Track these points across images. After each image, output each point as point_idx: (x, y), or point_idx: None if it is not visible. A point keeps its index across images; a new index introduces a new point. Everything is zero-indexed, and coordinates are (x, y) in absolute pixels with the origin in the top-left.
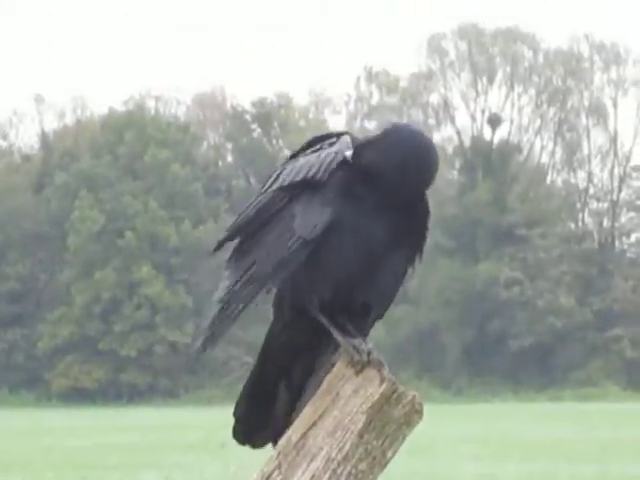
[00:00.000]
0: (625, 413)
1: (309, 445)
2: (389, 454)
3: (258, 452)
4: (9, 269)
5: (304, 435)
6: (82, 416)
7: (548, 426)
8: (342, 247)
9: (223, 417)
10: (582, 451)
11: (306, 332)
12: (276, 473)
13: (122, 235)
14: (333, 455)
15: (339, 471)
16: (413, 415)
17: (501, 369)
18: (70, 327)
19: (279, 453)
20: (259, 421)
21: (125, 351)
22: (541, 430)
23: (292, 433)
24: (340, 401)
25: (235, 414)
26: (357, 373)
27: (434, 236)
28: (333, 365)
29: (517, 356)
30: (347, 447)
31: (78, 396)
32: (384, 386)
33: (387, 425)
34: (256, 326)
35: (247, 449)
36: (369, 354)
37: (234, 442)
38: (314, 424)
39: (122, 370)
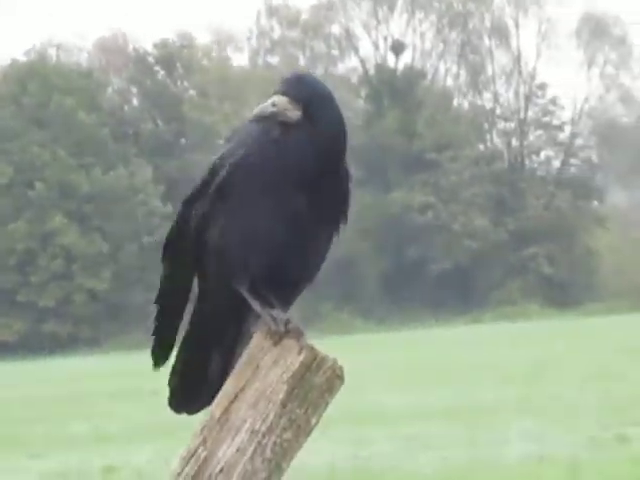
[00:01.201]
0: (547, 331)
1: (232, 419)
2: (313, 421)
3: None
4: None
5: (227, 409)
6: (5, 370)
7: (471, 349)
8: (266, 219)
9: (147, 362)
10: (506, 373)
11: (231, 301)
12: (201, 449)
13: (32, 186)
14: (257, 427)
15: (264, 442)
16: (334, 380)
17: (421, 295)
18: None
19: (203, 428)
20: (194, 389)
21: (44, 302)
22: (464, 354)
23: (215, 407)
24: (261, 372)
25: (170, 384)
26: (275, 343)
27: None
28: (252, 336)
29: (436, 281)
30: (271, 418)
31: (0, 350)
32: (303, 354)
33: (309, 392)
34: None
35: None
36: (287, 324)
37: (162, 388)
38: (236, 397)
39: (42, 321)
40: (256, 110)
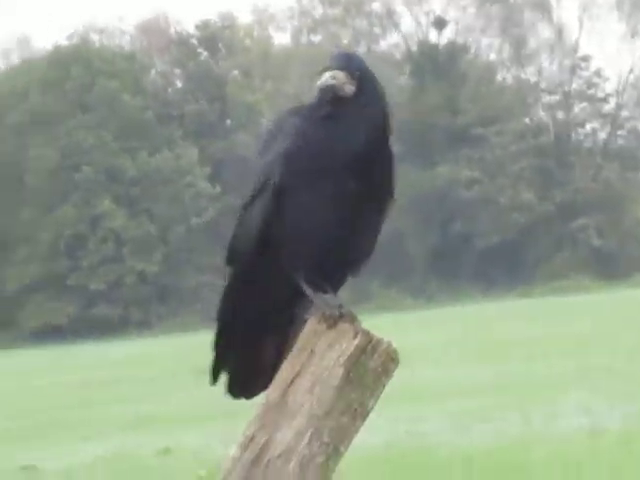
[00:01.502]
0: (597, 304)
1: (290, 403)
2: (370, 404)
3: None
4: None
5: (284, 394)
6: (57, 354)
7: (522, 324)
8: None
9: (198, 343)
10: (558, 346)
11: (284, 288)
12: (260, 434)
13: (79, 170)
14: (314, 411)
15: (321, 426)
16: (389, 363)
17: (469, 270)
18: (36, 266)
19: (261, 413)
20: (250, 372)
21: (94, 285)
22: (515, 329)
23: (272, 392)
24: (316, 357)
25: (221, 368)
26: (330, 327)
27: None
28: (305, 321)
29: (484, 256)
30: (327, 402)
31: (51, 334)
32: (358, 338)
33: (365, 376)
34: (223, 249)
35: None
36: (340, 308)
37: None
38: (292, 382)
39: (93, 304)
40: (319, 82)
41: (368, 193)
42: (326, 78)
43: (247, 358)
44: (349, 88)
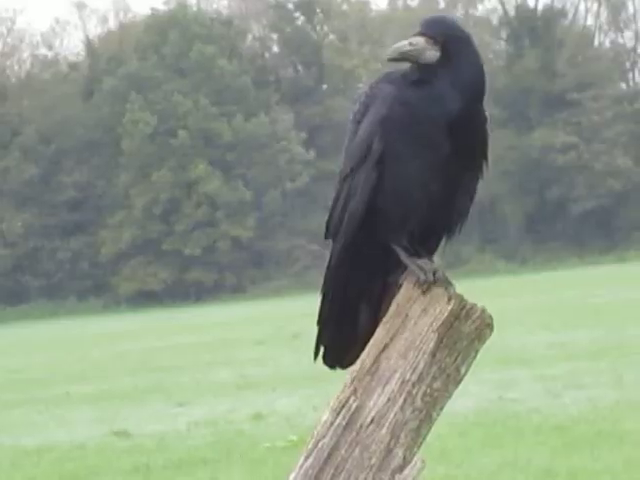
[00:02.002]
0: None
1: (383, 368)
2: (463, 370)
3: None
4: (66, 178)
5: (377, 359)
6: (151, 319)
7: (616, 289)
8: (419, 174)
9: (292, 308)
10: None
11: (379, 254)
12: (352, 399)
13: (175, 135)
14: (407, 376)
15: (414, 392)
16: (484, 329)
17: (564, 235)
18: (132, 231)
19: (354, 379)
20: (346, 342)
21: (189, 250)
22: (609, 294)
23: (365, 357)
24: (410, 322)
25: (322, 341)
26: (424, 293)
27: (487, 108)
28: (400, 286)
29: (579, 221)
30: (420, 367)
31: (145, 299)
32: (452, 303)
33: (458, 342)
34: (318, 214)
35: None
36: (435, 273)
37: (306, 332)
38: (386, 347)
39: (187, 269)
40: (391, 49)
41: (463, 156)
42: (401, 44)
43: (344, 328)
44: (432, 54)
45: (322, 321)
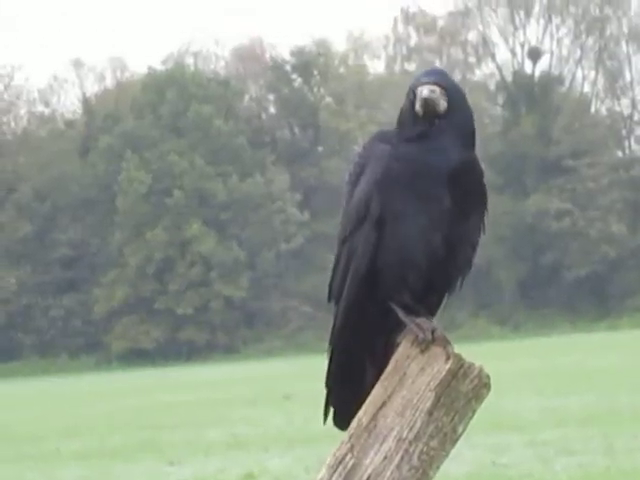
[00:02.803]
0: None
1: (380, 426)
2: (460, 429)
3: (322, 404)
4: (60, 235)
5: (374, 416)
6: (143, 377)
7: (608, 356)
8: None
9: (284, 368)
10: None
11: (378, 312)
12: (349, 456)
13: (170, 194)
14: (404, 435)
15: (411, 450)
16: (481, 389)
17: (557, 301)
18: (125, 289)
19: (351, 436)
20: (354, 402)
21: (181, 309)
22: (602, 360)
23: (362, 415)
24: (408, 380)
25: (330, 402)
26: (422, 351)
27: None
28: (398, 345)
29: (572, 287)
30: (418, 426)
31: (137, 357)
32: (450, 362)
33: (456, 401)
34: (312, 276)
35: (310, 401)
36: (433, 332)
37: (298, 393)
38: (383, 404)
39: (180, 328)
40: (422, 94)
41: (464, 208)
42: (428, 91)
43: (352, 388)
44: (443, 104)
45: (329, 383)
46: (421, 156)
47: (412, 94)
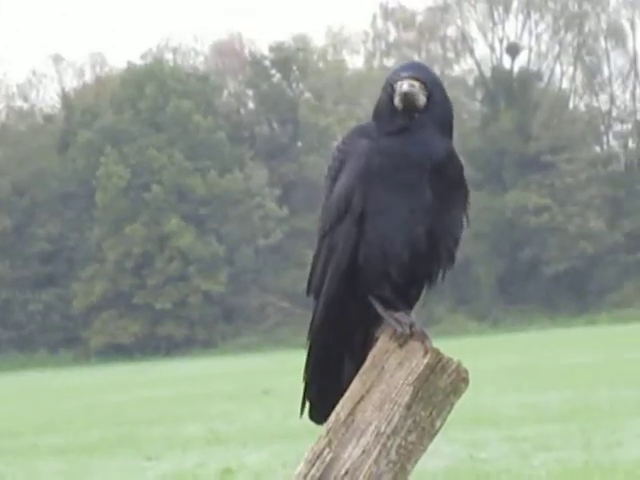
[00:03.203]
0: None
1: (358, 420)
2: (438, 424)
3: (300, 397)
4: (39, 230)
5: (352, 411)
6: (122, 372)
7: (586, 351)
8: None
9: (263, 364)
10: (622, 375)
11: (358, 306)
12: (327, 451)
13: (149, 189)
14: (382, 429)
15: (389, 444)
16: (459, 383)
17: (536, 297)
18: (103, 284)
19: (329, 430)
20: (332, 396)
21: (160, 304)
22: (580, 356)
23: (340, 410)
24: (386, 374)
25: (308, 396)
26: (401, 346)
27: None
28: (377, 339)
29: (551, 283)
30: (395, 420)
31: (116, 352)
32: (428, 357)
33: (434, 395)
34: (290, 271)
35: (289, 396)
36: (412, 326)
37: (276, 388)
38: (362, 399)
39: (158, 323)
40: (401, 89)
41: (446, 203)
42: (408, 85)
43: (330, 382)
44: (422, 99)
45: (307, 376)
46: (402, 149)
47: (390, 88)
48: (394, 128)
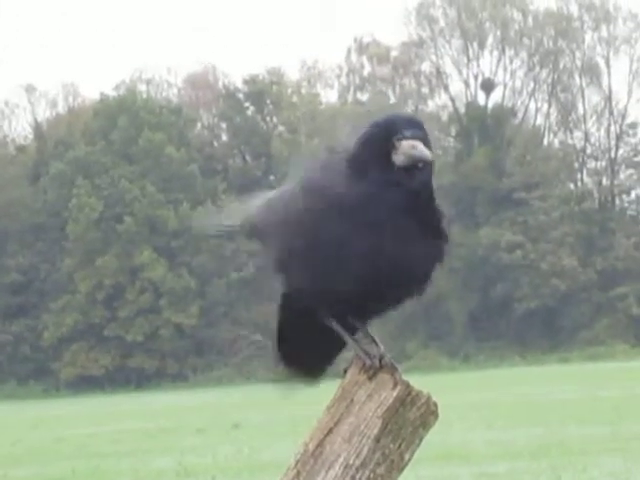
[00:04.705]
0: (634, 371)
1: (326, 452)
2: (406, 457)
3: (271, 433)
4: (9, 261)
5: (321, 443)
6: (91, 404)
7: (558, 388)
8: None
9: (233, 397)
10: (593, 412)
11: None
12: None
13: (121, 221)
14: (351, 461)
15: (357, 477)
16: (429, 417)
17: (507, 333)
18: (74, 315)
19: (297, 462)
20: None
21: (131, 336)
22: (551, 393)
23: (309, 441)
24: (355, 407)
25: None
26: (370, 378)
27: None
28: (345, 372)
29: (523, 320)
30: (364, 452)
31: (86, 384)
32: (398, 389)
33: (403, 428)
34: (262, 305)
35: (259, 430)
36: (381, 359)
37: (247, 422)
38: (330, 431)
39: (129, 355)
40: (415, 153)
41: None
42: (420, 152)
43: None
44: (430, 158)
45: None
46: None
47: (387, 139)
48: (381, 179)
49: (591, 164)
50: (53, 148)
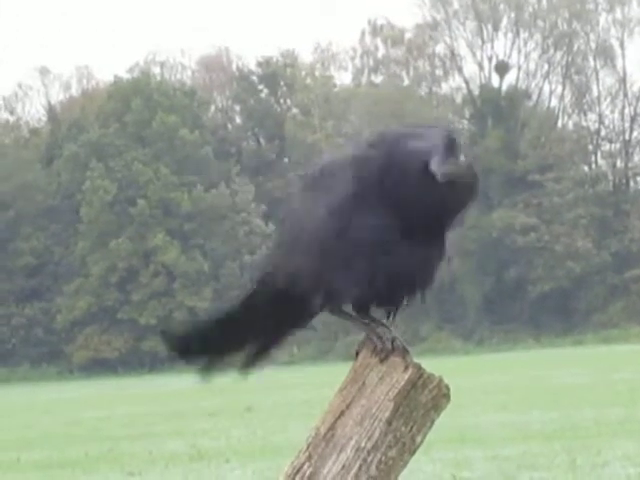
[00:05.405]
0: None
1: (338, 435)
2: (418, 439)
3: (283, 416)
4: (23, 244)
5: (332, 425)
6: (104, 387)
7: (572, 371)
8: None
9: (246, 380)
10: (608, 395)
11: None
12: (307, 465)
13: (135, 203)
14: (362, 444)
15: (369, 459)
16: (440, 399)
17: (521, 316)
18: (88, 298)
19: (309, 445)
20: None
21: (144, 319)
22: (565, 376)
23: (320, 424)
24: (367, 390)
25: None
26: (382, 361)
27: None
28: (357, 354)
29: (537, 302)
30: (376, 435)
31: (99, 367)
32: (409, 372)
33: (415, 411)
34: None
35: (272, 413)
36: (393, 341)
37: (259, 405)
38: (342, 414)
39: (142, 338)
40: (451, 169)
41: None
42: (459, 163)
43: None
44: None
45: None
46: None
47: (424, 167)
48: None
49: (605, 146)
50: (67, 131)
